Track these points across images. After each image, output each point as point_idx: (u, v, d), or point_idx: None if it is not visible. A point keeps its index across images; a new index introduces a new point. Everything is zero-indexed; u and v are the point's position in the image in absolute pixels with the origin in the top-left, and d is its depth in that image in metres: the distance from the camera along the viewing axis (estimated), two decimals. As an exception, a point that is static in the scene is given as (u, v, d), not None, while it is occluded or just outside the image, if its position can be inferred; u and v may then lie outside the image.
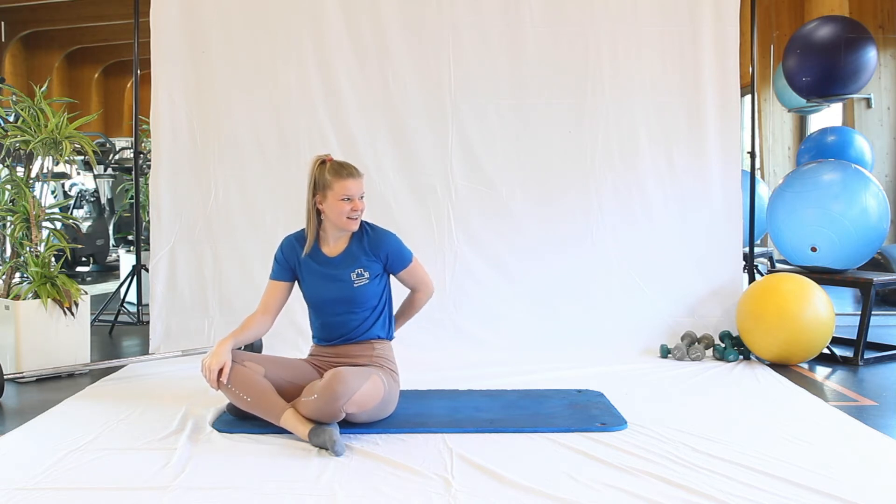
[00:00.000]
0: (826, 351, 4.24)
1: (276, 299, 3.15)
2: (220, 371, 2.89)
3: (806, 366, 4.13)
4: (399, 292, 3.25)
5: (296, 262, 3.12)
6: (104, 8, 12.11)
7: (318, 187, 3.00)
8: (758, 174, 6.96)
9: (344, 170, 2.99)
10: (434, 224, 4.53)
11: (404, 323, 3.30)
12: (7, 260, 4.20)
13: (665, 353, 4.28)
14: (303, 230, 3.12)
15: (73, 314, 3.91)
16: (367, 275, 3.03)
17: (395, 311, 3.23)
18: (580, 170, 4.54)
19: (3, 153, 4.01)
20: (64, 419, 3.12)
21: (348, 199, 2.97)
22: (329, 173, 2.97)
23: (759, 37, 5.39)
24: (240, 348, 3.05)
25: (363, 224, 3.10)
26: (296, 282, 3.17)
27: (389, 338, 3.15)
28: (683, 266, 4.53)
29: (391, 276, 3.17)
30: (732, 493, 2.29)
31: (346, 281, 3.02)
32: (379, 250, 3.06)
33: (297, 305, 3.42)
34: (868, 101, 7.26)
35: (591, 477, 2.43)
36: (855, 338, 4.26)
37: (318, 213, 3.04)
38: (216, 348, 2.94)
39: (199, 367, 2.99)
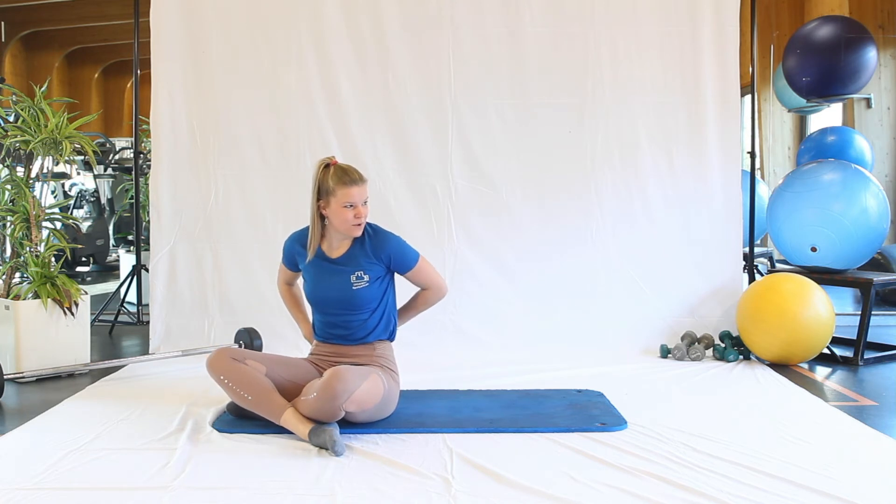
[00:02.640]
0: (826, 351, 4.24)
1: (291, 275, 3.29)
2: None
3: (806, 366, 4.13)
4: (408, 290, 3.24)
5: (298, 258, 3.17)
6: (104, 8, 12.09)
7: (321, 193, 2.99)
8: (758, 174, 6.97)
9: (347, 176, 2.97)
10: (434, 224, 4.53)
11: (411, 317, 3.28)
12: (7, 260, 4.20)
13: (665, 353, 4.28)
14: (306, 228, 3.13)
15: (73, 314, 3.91)
16: (366, 278, 3.03)
17: (402, 305, 3.24)
18: (580, 170, 4.54)
19: (3, 153, 4.01)
20: (64, 419, 3.12)
21: (351, 205, 2.97)
22: (332, 180, 2.96)
23: (759, 37, 5.39)
24: (240, 346, 3.05)
25: (367, 226, 3.09)
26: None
27: (391, 338, 3.15)
28: (683, 266, 4.53)
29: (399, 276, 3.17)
30: (732, 493, 2.29)
31: (346, 283, 3.02)
32: (381, 253, 3.06)
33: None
34: (868, 101, 7.26)
35: (591, 477, 2.43)
36: (855, 338, 4.26)
37: (322, 217, 3.05)
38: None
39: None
